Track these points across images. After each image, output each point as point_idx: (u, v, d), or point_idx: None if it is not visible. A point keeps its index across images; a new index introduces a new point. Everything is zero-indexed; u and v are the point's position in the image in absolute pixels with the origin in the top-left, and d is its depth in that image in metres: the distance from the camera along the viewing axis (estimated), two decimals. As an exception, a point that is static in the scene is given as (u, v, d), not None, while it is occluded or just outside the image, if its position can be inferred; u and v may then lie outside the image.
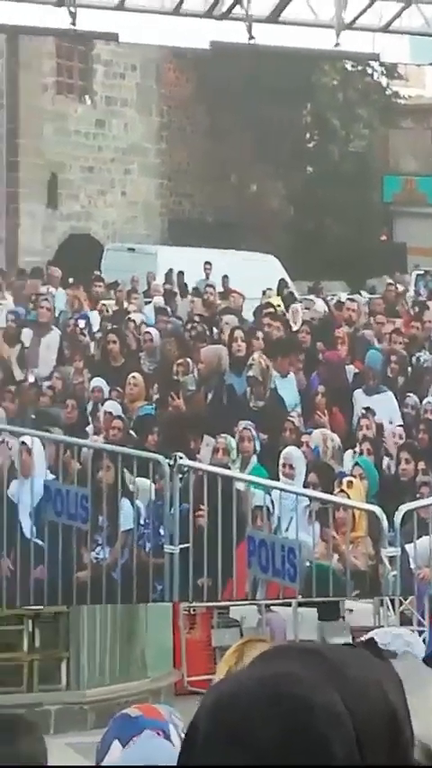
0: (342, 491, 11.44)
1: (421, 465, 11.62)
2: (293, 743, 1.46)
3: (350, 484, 11.52)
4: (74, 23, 11.13)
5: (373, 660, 1.58)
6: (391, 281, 11.97)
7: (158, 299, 11.48)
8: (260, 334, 11.54)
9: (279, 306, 11.68)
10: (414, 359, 11.88)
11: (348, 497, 11.49)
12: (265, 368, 11.39)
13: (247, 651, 4.56)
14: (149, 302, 11.51)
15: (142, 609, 16.15)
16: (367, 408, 11.56)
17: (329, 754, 1.44)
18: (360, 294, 11.89)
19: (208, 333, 11.48)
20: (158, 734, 3.29)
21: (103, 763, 3.15)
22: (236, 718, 1.52)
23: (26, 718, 3.71)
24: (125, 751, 3.12)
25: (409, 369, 11.87)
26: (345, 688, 1.48)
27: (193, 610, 18.44)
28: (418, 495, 11.61)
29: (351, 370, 11.73)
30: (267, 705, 1.49)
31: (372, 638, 1.76)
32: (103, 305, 11.34)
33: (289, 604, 18.37)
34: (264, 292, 11.66)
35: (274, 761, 1.44)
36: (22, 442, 10.89)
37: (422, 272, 12.08)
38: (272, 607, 18.53)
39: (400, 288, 12.00)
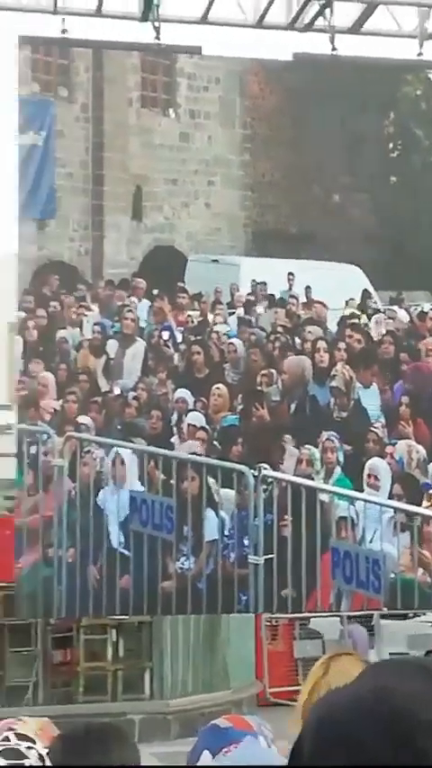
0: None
1: None
2: (400, 758, 1.47)
3: (436, 495, 11.43)
4: (158, 38, 11.22)
5: None
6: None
7: (242, 310, 11.49)
8: (343, 344, 11.50)
9: (362, 316, 11.62)
10: None
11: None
12: (349, 379, 11.35)
13: (333, 665, 4.54)
14: (233, 313, 11.52)
15: (225, 620, 16.16)
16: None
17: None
18: None
19: (291, 344, 11.46)
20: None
21: None
22: (346, 732, 1.54)
23: (119, 726, 3.74)
24: (229, 755, 3.10)
25: None
26: None
27: (275, 621, 18.42)
28: None
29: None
30: (378, 721, 1.51)
31: None
32: (188, 316, 11.38)
33: (369, 616, 18.32)
34: (347, 303, 11.61)
35: None
36: (117, 453, 10.97)
37: None
38: (354, 619, 18.46)
39: None
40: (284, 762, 3.25)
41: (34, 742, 2.57)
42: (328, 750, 1.57)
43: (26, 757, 2.49)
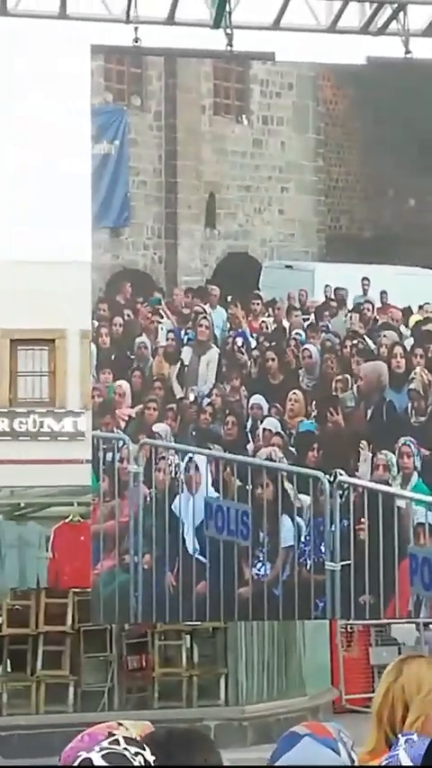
0: None
1: None
2: None
3: None
4: (230, 44, 11.23)
5: None
6: None
7: (316, 316, 11.44)
8: (420, 349, 11.41)
9: (439, 321, 11.52)
10: None
11: None
12: (427, 383, 11.25)
13: (405, 668, 4.49)
14: (307, 319, 11.48)
15: (300, 626, 16.12)
16: None
17: None
18: None
19: (367, 349, 11.39)
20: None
21: None
22: None
23: (202, 730, 3.73)
24: (286, 754, 3.12)
25: None
26: None
27: (351, 628, 18.33)
28: None
29: None
30: None
31: None
32: (262, 322, 11.37)
33: (448, 623, 18.15)
34: (422, 307, 11.52)
35: None
36: (190, 459, 10.99)
37: None
38: (430, 626, 18.32)
39: None
40: (343, 763, 3.23)
41: (143, 748, 2.54)
42: None
43: (131, 763, 2.46)
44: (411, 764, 4.08)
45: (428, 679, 4.58)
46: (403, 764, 4.22)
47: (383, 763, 4.17)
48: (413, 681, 4.81)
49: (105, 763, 2.41)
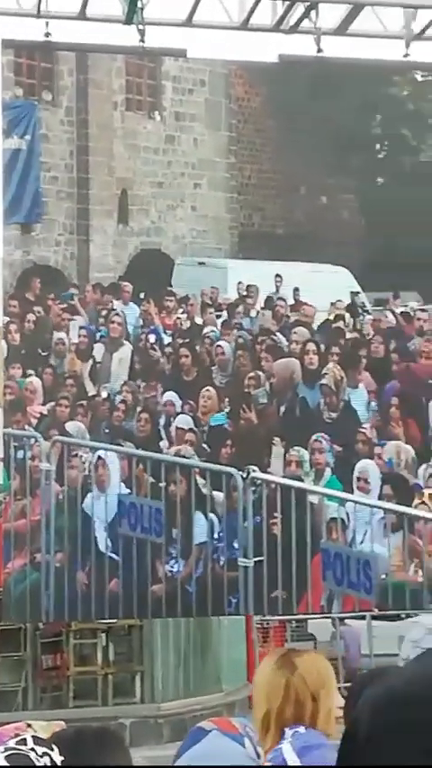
0: (423, 503, 11.33)
1: None
2: None
3: (426, 501, 11.40)
4: (142, 41, 11.16)
5: None
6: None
7: (229, 313, 11.45)
8: (332, 346, 11.48)
9: (351, 317, 11.59)
10: None
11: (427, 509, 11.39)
12: (339, 379, 11.32)
13: (299, 661, 4.49)
14: (220, 316, 11.48)
15: (216, 623, 16.12)
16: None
17: None
18: None
19: (279, 346, 11.42)
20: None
21: None
22: (405, 718, 1.53)
23: (112, 729, 3.72)
24: (192, 748, 3.11)
25: None
26: None
27: (267, 623, 18.38)
28: None
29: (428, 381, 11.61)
30: None
31: None
32: (176, 319, 11.35)
33: (363, 618, 18.27)
34: (332, 304, 11.58)
35: None
36: (99, 457, 10.94)
37: None
38: (346, 621, 18.44)
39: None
40: (248, 756, 3.23)
41: (52, 748, 2.49)
42: (395, 733, 1.57)
43: (35, 764, 2.41)
44: (297, 758, 4.07)
45: (329, 672, 4.61)
46: (287, 757, 4.21)
47: (268, 757, 4.16)
48: (314, 673, 4.82)
49: (7, 764, 2.36)
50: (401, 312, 11.64)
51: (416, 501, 11.35)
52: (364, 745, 1.59)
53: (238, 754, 3.19)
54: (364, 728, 1.60)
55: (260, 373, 11.32)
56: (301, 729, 4.23)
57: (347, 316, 11.59)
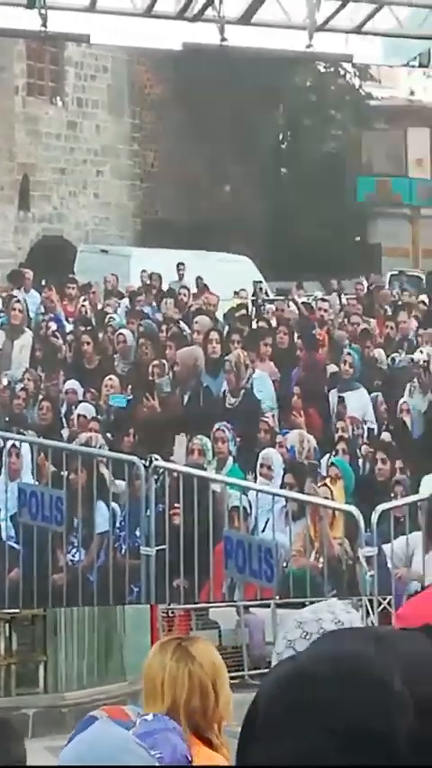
0: (324, 485, 11.42)
1: (398, 464, 11.61)
2: (366, 719, 1.46)
3: (327, 484, 11.50)
4: (45, 25, 11.03)
5: (428, 644, 1.59)
6: (365, 281, 11.94)
7: (132, 301, 11.39)
8: (235, 335, 11.50)
9: (253, 306, 11.62)
10: (390, 359, 11.86)
11: (326, 497, 11.47)
12: (243, 368, 11.35)
13: (193, 650, 4.51)
14: (123, 304, 11.42)
15: (120, 612, 16.08)
16: (343, 408, 11.55)
17: (392, 731, 1.45)
18: (339, 294, 11.85)
19: (182, 334, 11.40)
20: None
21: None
22: (307, 696, 1.51)
23: (6, 720, 3.70)
24: (77, 736, 3.09)
25: (386, 369, 11.85)
26: (408, 670, 1.50)
27: (172, 612, 18.40)
28: (392, 495, 11.59)
29: (328, 370, 11.70)
30: (340, 684, 1.50)
31: (429, 624, 1.70)
32: (80, 306, 11.25)
33: (267, 606, 18.39)
34: (237, 293, 11.59)
35: (342, 737, 1.46)
36: (13, 445, 10.81)
37: (396, 273, 12.05)
38: (251, 609, 18.54)
39: (375, 288, 11.97)
40: (136, 742, 3.21)
41: None
42: (295, 711, 1.50)
43: None
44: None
45: (221, 660, 4.64)
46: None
47: None
48: (210, 663, 4.83)
49: None
50: (303, 302, 11.69)
51: (314, 489, 11.43)
52: (263, 722, 1.55)
53: (122, 740, 3.16)
54: (264, 707, 1.57)
55: (164, 361, 11.30)
56: (149, 717, 4.23)
57: (250, 305, 11.62)
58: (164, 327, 11.38)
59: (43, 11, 10.94)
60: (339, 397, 11.55)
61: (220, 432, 11.18)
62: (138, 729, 3.96)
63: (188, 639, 4.69)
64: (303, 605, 16.89)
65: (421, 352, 11.77)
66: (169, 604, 11.58)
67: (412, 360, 11.81)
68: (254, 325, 11.57)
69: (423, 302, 12.02)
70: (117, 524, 10.95)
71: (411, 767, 1.50)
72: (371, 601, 13.37)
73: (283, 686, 1.53)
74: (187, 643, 4.49)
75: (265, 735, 1.54)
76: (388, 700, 1.47)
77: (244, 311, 11.55)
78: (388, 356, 11.83)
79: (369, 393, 11.70)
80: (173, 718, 4.69)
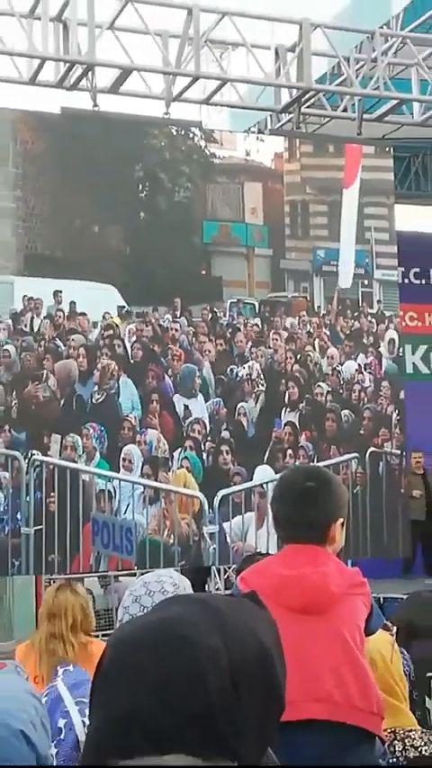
0: (175, 475, 11.57)
1: (235, 457, 11.80)
2: (175, 676, 1.42)
3: (177, 473, 11.63)
4: None
5: (252, 608, 1.58)
6: (209, 307, 12.09)
7: (14, 321, 11.30)
8: (105, 349, 11.53)
9: (117, 327, 11.67)
10: (229, 371, 12.04)
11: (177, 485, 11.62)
12: (108, 373, 11.41)
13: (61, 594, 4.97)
14: (7, 324, 11.31)
15: (8, 582, 15.88)
16: (189, 412, 11.71)
17: (204, 686, 1.42)
18: (188, 318, 11.97)
19: (60, 350, 11.39)
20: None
21: None
22: (130, 654, 1.49)
23: None
24: None
25: (226, 380, 12.02)
26: (224, 631, 1.47)
27: (54, 581, 18.27)
28: (232, 483, 11.78)
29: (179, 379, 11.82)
30: (159, 643, 1.47)
31: (253, 591, 1.69)
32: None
33: (134, 574, 18.40)
34: (104, 316, 11.63)
35: (158, 692, 1.43)
36: None
37: (235, 300, 12.24)
38: (119, 578, 18.52)
39: (218, 313, 12.14)
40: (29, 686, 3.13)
41: None
42: (118, 670, 1.52)
43: None
44: (69, 694, 4.07)
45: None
46: (61, 693, 4.22)
47: (45, 692, 4.16)
48: (76, 606, 5.03)
49: None
50: (158, 324, 11.78)
51: (169, 478, 11.55)
52: (98, 679, 1.54)
53: (21, 682, 3.07)
54: (99, 667, 1.56)
55: (42, 373, 11.26)
56: (71, 668, 4.26)
57: (115, 325, 11.66)
58: (43, 344, 11.33)
59: None
60: (184, 400, 11.70)
61: (86, 430, 11.22)
62: (66, 680, 3.91)
63: (60, 585, 4.92)
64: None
65: (251, 367, 11.99)
66: (44, 575, 11.47)
67: (247, 373, 12.03)
68: (117, 342, 11.61)
69: (256, 324, 12.23)
70: (1, 508, 10.89)
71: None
72: (218, 570, 13.50)
73: (112, 649, 1.53)
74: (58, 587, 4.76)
75: (101, 689, 1.54)
76: (198, 655, 1.43)
77: (110, 331, 11.58)
78: (227, 369, 12.00)
79: (211, 399, 11.87)
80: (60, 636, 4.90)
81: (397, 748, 3.42)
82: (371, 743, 2.88)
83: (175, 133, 12.19)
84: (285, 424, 12.05)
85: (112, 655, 1.53)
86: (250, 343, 12.08)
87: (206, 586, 12.91)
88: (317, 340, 12.38)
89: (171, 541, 11.41)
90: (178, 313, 11.81)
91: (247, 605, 1.59)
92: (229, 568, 13.60)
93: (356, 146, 12.86)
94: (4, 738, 2.26)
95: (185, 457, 11.67)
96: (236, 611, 1.54)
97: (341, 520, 3.13)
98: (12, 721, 2.29)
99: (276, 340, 12.14)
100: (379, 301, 12.94)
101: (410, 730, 3.46)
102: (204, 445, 11.73)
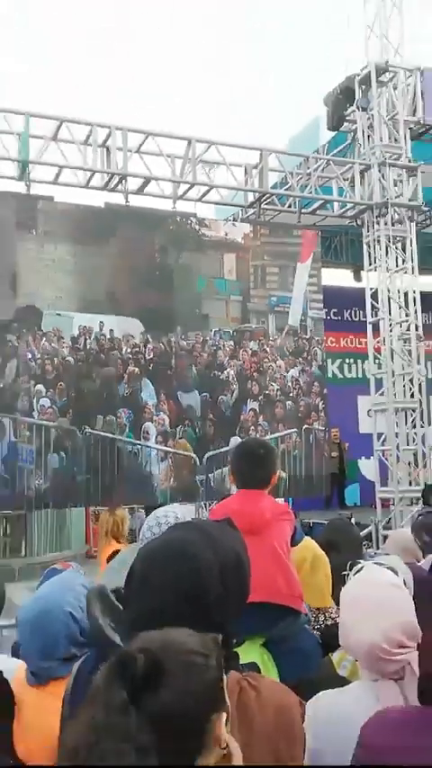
0: (178, 443, 11.32)
1: (217, 431, 11.67)
2: (184, 581, 1.40)
3: (180, 442, 11.48)
4: None
5: (229, 531, 1.58)
6: (201, 336, 11.97)
7: (74, 342, 11.09)
8: (130, 361, 11.35)
9: (140, 346, 11.52)
10: (213, 374, 11.97)
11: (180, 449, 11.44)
12: (135, 379, 11.30)
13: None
14: (68, 344, 11.08)
15: (69, 512, 15.41)
16: (186, 401, 11.60)
17: (204, 587, 1.40)
18: (186, 340, 11.75)
19: (102, 361, 11.21)
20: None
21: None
22: (147, 565, 1.44)
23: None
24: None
25: (210, 379, 11.94)
26: (215, 548, 1.46)
27: (98, 512, 17.84)
28: (215, 447, 11.69)
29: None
30: (168, 556, 1.44)
31: (229, 518, 1.63)
32: None
33: (151, 507, 18.13)
34: (131, 339, 11.47)
35: (168, 596, 1.37)
36: None
37: (217, 329, 12.11)
38: (140, 508, 18.22)
39: (206, 338, 11.99)
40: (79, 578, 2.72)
41: None
42: (142, 581, 1.43)
43: None
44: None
45: None
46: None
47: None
48: (110, 522, 5.23)
49: None
50: (168, 344, 11.67)
51: (176, 444, 11.35)
52: (130, 587, 1.44)
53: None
54: (129, 578, 1.47)
55: (93, 376, 11.13)
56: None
57: (140, 345, 11.45)
58: (91, 357, 11.12)
59: None
60: (183, 396, 11.59)
61: (119, 413, 11.10)
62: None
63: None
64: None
65: (228, 373, 11.97)
66: (92, 506, 11.27)
67: (225, 376, 11.98)
68: (140, 356, 11.48)
69: (230, 345, 12.19)
70: (65, 464, 10.74)
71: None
72: (204, 504, 13.43)
73: (139, 562, 1.48)
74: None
75: (132, 596, 1.47)
76: (199, 566, 1.41)
77: (137, 348, 11.47)
78: (212, 373, 11.93)
79: (202, 393, 11.76)
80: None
81: (320, 620, 3.48)
82: (296, 616, 2.87)
83: (179, 220, 12.20)
84: (250, 410, 12.06)
85: (140, 567, 1.47)
86: (227, 357, 12.08)
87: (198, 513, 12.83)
88: (270, 355, 12.44)
89: (174, 485, 11.38)
90: (181, 337, 11.71)
91: (227, 528, 1.59)
92: (212, 503, 13.62)
93: (312, 232, 12.97)
94: (57, 617, 2.24)
95: (185, 431, 11.64)
96: (220, 532, 1.53)
97: (276, 474, 3.16)
98: (65, 605, 2.26)
99: (244, 355, 12.18)
100: (311, 330, 13.03)
101: (329, 607, 3.51)
102: (197, 423, 11.72)
